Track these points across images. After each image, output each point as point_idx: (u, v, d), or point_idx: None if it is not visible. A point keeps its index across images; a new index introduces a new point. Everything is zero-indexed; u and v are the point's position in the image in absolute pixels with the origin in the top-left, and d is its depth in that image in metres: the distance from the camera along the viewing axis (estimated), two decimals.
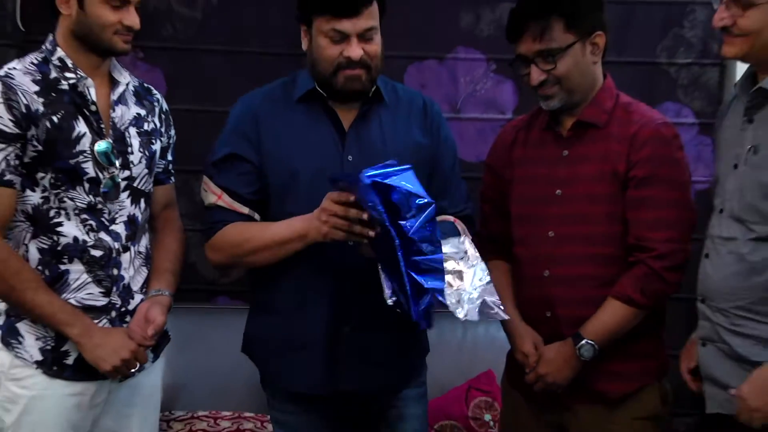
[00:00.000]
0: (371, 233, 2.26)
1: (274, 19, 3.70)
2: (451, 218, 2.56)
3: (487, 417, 3.44)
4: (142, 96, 2.70)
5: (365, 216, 2.25)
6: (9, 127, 2.38)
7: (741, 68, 3.55)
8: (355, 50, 2.46)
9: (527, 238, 2.68)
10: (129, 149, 2.58)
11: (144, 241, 2.67)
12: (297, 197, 2.52)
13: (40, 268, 2.47)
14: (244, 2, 3.75)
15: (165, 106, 2.78)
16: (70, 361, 2.49)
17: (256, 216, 2.55)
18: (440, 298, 2.24)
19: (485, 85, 3.84)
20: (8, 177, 2.40)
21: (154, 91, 2.77)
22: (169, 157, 2.78)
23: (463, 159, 3.44)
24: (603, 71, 2.68)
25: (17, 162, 2.41)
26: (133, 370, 2.53)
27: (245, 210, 2.54)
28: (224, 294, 3.80)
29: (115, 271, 2.54)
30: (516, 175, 2.73)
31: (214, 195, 2.56)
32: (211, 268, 3.61)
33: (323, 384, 2.56)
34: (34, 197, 2.46)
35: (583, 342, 2.52)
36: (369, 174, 2.19)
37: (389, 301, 2.30)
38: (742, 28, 2.30)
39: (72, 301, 2.48)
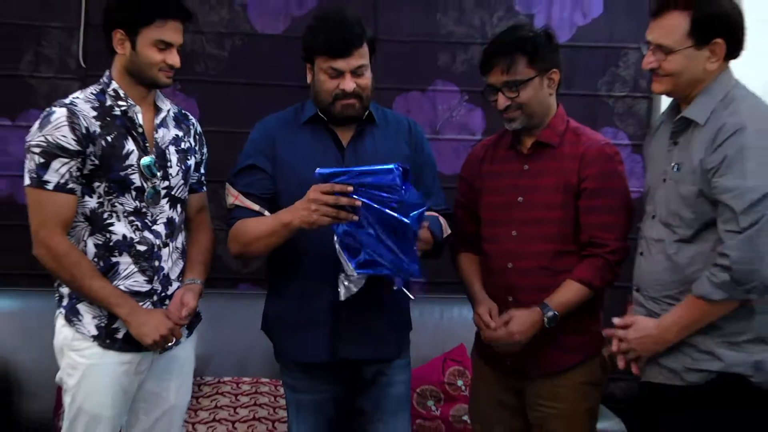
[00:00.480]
0: (355, 218, 2.28)
1: (286, 58, 3.64)
2: (435, 214, 2.59)
3: (460, 383, 3.43)
4: (180, 120, 2.70)
5: (353, 200, 2.26)
6: (72, 144, 2.39)
7: (665, 100, 3.50)
8: (348, 84, 2.48)
9: (494, 236, 2.67)
10: (168, 164, 2.58)
11: (180, 239, 2.65)
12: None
13: (95, 259, 2.48)
14: (262, 45, 3.73)
15: (199, 129, 2.77)
16: (119, 335, 2.49)
17: (266, 213, 2.53)
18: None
19: (459, 112, 3.84)
20: (71, 186, 2.42)
21: (190, 117, 2.77)
22: (202, 171, 2.76)
23: (441, 172, 3.42)
24: (557, 101, 2.68)
25: (78, 173, 2.42)
26: (170, 344, 2.53)
27: (257, 207, 2.53)
28: (246, 282, 3.78)
29: (157, 263, 2.55)
30: (485, 185, 2.72)
31: (232, 197, 2.56)
32: (235, 260, 3.62)
33: (326, 354, 2.55)
34: (92, 202, 2.47)
35: (550, 312, 2.52)
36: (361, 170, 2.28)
37: (355, 273, 2.37)
38: (666, 69, 2.32)
39: (121, 287, 2.49)
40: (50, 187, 2.40)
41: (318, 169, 2.32)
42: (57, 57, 3.64)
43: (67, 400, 2.53)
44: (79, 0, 3.61)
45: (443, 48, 3.81)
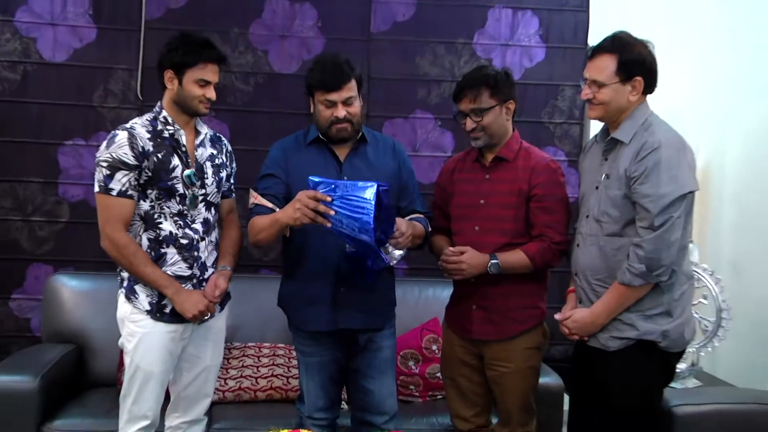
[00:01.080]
0: (328, 224, 2.26)
1: (298, 92, 3.51)
2: (422, 216, 2.66)
3: (434, 347, 3.41)
4: (215, 141, 2.69)
5: (328, 210, 2.24)
6: (131, 160, 2.42)
7: (594, 125, 3.55)
8: (340, 112, 2.49)
9: (461, 230, 2.68)
10: (205, 175, 2.58)
11: (214, 234, 2.65)
12: None
13: (149, 250, 2.49)
14: (279, 82, 3.71)
15: (229, 148, 2.76)
16: (167, 310, 2.51)
17: (277, 209, 2.48)
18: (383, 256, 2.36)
19: (433, 134, 3.84)
20: (130, 192, 2.44)
21: (223, 138, 2.77)
22: (232, 181, 2.76)
23: (420, 181, 3.44)
24: (513, 126, 2.68)
25: (135, 183, 2.45)
26: (206, 318, 2.55)
27: (270, 204, 2.50)
28: (266, 267, 3.75)
29: (196, 253, 2.55)
30: (455, 189, 2.72)
31: (253, 197, 2.56)
32: (256, 250, 3.62)
33: (328, 324, 2.57)
34: (145, 205, 2.48)
35: (495, 260, 2.52)
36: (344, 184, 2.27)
37: (348, 251, 2.42)
38: (598, 99, 2.35)
39: (168, 272, 2.50)
40: (114, 193, 2.42)
41: (311, 176, 2.32)
42: (120, 91, 3.64)
43: (126, 360, 2.54)
44: (138, 47, 3.62)
45: (421, 85, 3.81)
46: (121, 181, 2.42)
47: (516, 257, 2.55)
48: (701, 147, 3.58)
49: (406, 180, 2.69)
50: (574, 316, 2.41)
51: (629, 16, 3.72)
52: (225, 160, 2.71)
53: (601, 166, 2.42)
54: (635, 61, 2.30)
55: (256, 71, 3.72)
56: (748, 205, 3.60)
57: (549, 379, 3.15)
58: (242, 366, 3.31)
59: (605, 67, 2.32)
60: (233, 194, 2.79)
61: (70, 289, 3.40)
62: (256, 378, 3.27)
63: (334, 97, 2.48)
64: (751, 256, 3.55)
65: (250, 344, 3.43)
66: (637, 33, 3.50)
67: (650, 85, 2.36)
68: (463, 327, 2.69)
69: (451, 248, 2.58)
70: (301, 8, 3.71)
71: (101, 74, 3.62)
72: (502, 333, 2.63)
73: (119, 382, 3.15)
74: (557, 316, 2.48)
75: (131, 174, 2.43)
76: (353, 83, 2.52)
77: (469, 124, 2.59)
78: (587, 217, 2.44)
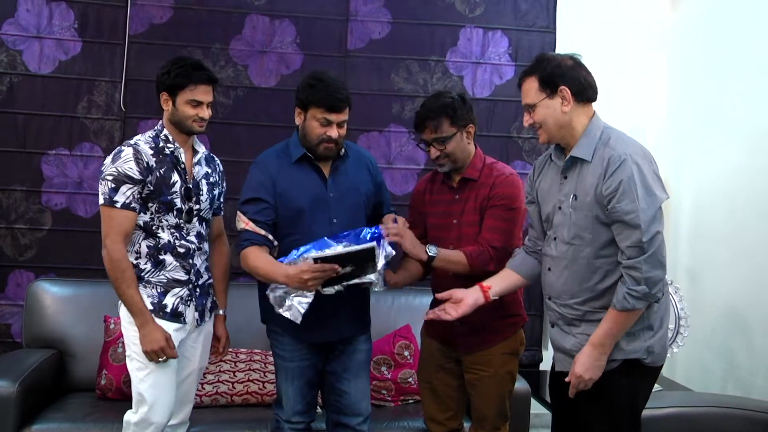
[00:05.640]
0: (340, 270, 2.29)
1: (276, 106, 3.65)
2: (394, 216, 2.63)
3: (406, 353, 3.39)
4: (209, 161, 2.72)
5: (338, 268, 2.28)
6: (137, 174, 2.45)
7: None
8: (334, 132, 2.48)
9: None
10: (201, 192, 2.61)
11: (206, 246, 2.68)
12: (299, 223, 2.51)
13: (148, 256, 2.50)
14: (258, 96, 3.70)
15: (221, 167, 2.78)
16: (168, 310, 2.52)
17: (270, 236, 2.49)
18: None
19: (407, 148, 3.83)
20: (133, 205, 2.46)
21: (216, 159, 2.78)
22: (221, 199, 2.77)
23: (394, 193, 3.55)
24: (475, 145, 2.66)
25: (138, 196, 2.47)
26: (161, 359, 2.47)
27: (263, 233, 2.48)
28: (244, 275, 3.56)
29: (191, 261, 2.58)
30: (429, 210, 2.70)
31: (243, 223, 2.50)
32: (236, 259, 3.52)
33: (320, 336, 2.56)
34: (146, 217, 2.50)
35: (433, 251, 2.49)
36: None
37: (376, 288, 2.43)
38: (536, 121, 2.26)
39: (168, 276, 2.52)
40: (119, 205, 2.44)
41: (312, 254, 2.31)
42: (104, 103, 3.63)
43: (132, 367, 2.53)
44: (121, 60, 3.62)
45: (395, 100, 3.82)
46: (125, 194, 2.44)
47: (453, 254, 2.52)
48: (662, 158, 3.58)
49: (382, 191, 2.72)
50: (579, 363, 2.19)
51: (594, 37, 3.85)
52: (218, 179, 2.73)
53: (561, 186, 2.29)
54: (554, 74, 2.21)
55: (236, 85, 3.71)
56: (704, 214, 3.61)
57: (517, 384, 3.05)
58: (219, 371, 3.28)
59: (530, 88, 2.25)
60: (222, 212, 2.81)
61: (51, 295, 3.35)
62: (233, 383, 3.23)
63: (333, 117, 2.46)
64: (706, 264, 3.58)
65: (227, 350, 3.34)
66: (602, 52, 3.57)
67: (581, 92, 2.23)
68: (446, 340, 2.68)
69: (391, 220, 2.56)
70: (281, 25, 3.72)
71: (85, 86, 3.61)
72: (485, 343, 2.62)
73: (99, 386, 3.15)
74: (568, 379, 2.23)
75: (135, 188, 2.45)
76: (347, 109, 2.52)
77: (433, 152, 2.58)
78: (555, 239, 2.31)
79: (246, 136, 3.69)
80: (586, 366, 2.19)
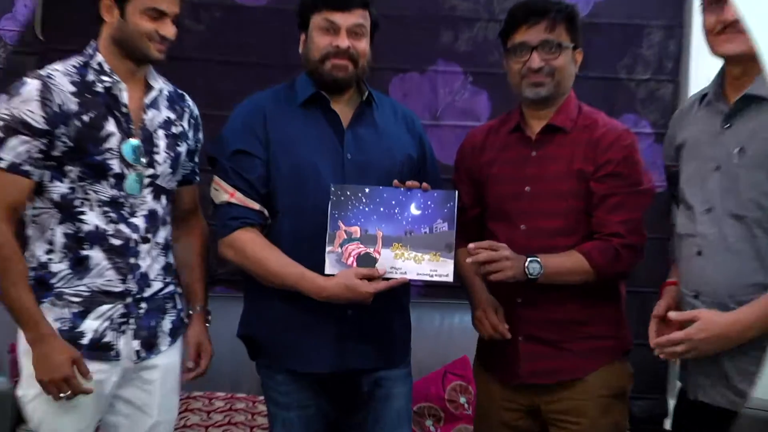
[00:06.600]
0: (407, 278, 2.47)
1: (269, 34, 3.72)
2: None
3: (462, 399, 3.42)
4: (175, 101, 2.67)
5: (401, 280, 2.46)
6: (39, 122, 2.36)
7: (694, 84, 3.70)
8: (343, 40, 2.51)
9: (501, 233, 2.63)
10: (155, 149, 2.55)
11: (164, 233, 2.61)
12: (301, 192, 2.53)
13: (65, 251, 2.45)
14: (243, 18, 3.76)
15: (195, 112, 2.75)
16: (85, 340, 2.45)
17: (266, 212, 2.53)
18: None
19: (462, 96, 3.84)
20: (26, 168, 2.38)
21: (187, 98, 2.74)
22: (196, 160, 2.75)
23: (441, 161, 3.35)
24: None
25: (40, 155, 2.39)
26: (63, 395, 2.41)
27: (257, 206, 2.52)
28: (222, 284, 3.71)
29: (133, 260, 2.50)
30: (488, 175, 2.71)
31: (226, 193, 2.53)
32: (212, 260, 3.42)
33: (333, 363, 2.55)
34: (62, 187, 2.43)
35: (535, 259, 2.49)
36: None
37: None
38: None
39: (93, 286, 2.46)
40: (3, 165, 2.37)
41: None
42: (16, 30, 3.74)
43: (28, 415, 2.50)
44: None
45: (445, 24, 3.82)
46: (16, 149, 2.37)
47: (564, 258, 2.54)
48: None
49: (426, 168, 2.73)
50: (704, 320, 2.24)
51: None
52: (187, 128, 2.69)
53: (719, 137, 2.35)
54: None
55: (209, 2, 3.74)
56: None
57: None
58: (185, 426, 3.30)
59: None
60: (197, 178, 2.78)
61: None
62: None
63: (338, 18, 2.51)
64: None
65: (196, 394, 3.41)
66: None
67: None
68: (506, 368, 2.66)
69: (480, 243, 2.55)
70: None
71: None
72: (565, 372, 2.60)
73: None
74: (673, 314, 2.31)
75: (35, 143, 2.38)
76: (366, 13, 2.56)
77: (537, 61, 2.56)
78: (707, 211, 2.35)
79: (223, 78, 3.69)
80: (709, 338, 2.21)
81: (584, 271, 2.53)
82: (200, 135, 2.76)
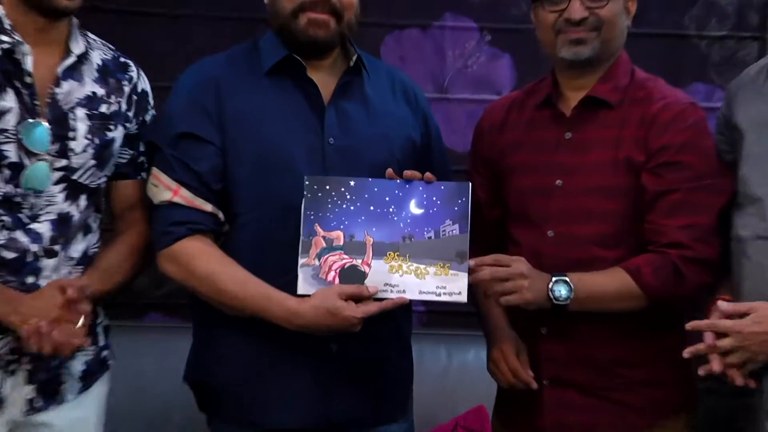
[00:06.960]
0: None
1: None
2: None
3: None
4: (108, 71, 2.61)
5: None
6: None
7: None
8: None
9: (523, 238, 2.62)
10: (70, 133, 2.48)
11: (81, 246, 2.55)
12: (267, 188, 2.47)
13: None
14: None
15: (142, 86, 2.69)
16: None
17: (220, 215, 2.47)
18: None
19: (478, 60, 3.80)
20: None
21: (132, 67, 2.68)
22: (141, 148, 2.66)
23: (450, 147, 3.36)
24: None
25: None
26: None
27: (208, 207, 2.45)
28: (157, 310, 3.72)
29: (31, 279, 2.43)
30: (509, 164, 2.68)
31: (168, 190, 2.47)
32: (141, 279, 3.35)
33: (311, 415, 2.50)
34: None
35: (563, 278, 2.44)
36: None
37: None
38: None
39: None
40: None
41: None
42: None
43: None
44: None
45: None
46: None
47: (608, 277, 2.48)
48: None
49: (435, 153, 2.72)
50: (760, 312, 2.27)
51: None
52: (125, 108, 2.61)
53: None
54: None
55: None
56: None
57: None
58: None
59: None
60: (142, 174, 2.67)
61: None
62: None
63: None
64: None
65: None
66: None
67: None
68: (525, 421, 2.63)
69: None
70: None
71: None
72: (603, 429, 2.57)
73: None
74: (724, 305, 2.32)
75: None
76: None
77: (579, 10, 2.49)
78: None
79: (167, 38, 3.72)
80: (763, 332, 2.25)
81: (631, 295, 2.47)
82: (148, 116, 2.69)
